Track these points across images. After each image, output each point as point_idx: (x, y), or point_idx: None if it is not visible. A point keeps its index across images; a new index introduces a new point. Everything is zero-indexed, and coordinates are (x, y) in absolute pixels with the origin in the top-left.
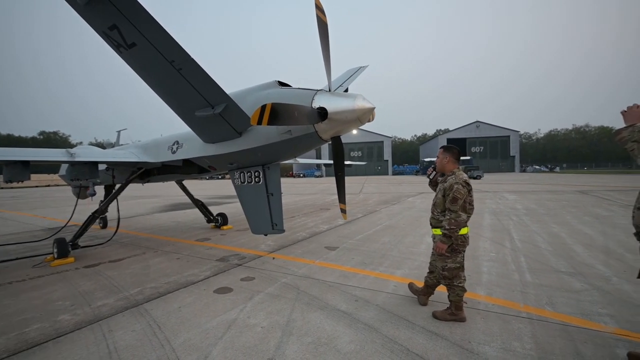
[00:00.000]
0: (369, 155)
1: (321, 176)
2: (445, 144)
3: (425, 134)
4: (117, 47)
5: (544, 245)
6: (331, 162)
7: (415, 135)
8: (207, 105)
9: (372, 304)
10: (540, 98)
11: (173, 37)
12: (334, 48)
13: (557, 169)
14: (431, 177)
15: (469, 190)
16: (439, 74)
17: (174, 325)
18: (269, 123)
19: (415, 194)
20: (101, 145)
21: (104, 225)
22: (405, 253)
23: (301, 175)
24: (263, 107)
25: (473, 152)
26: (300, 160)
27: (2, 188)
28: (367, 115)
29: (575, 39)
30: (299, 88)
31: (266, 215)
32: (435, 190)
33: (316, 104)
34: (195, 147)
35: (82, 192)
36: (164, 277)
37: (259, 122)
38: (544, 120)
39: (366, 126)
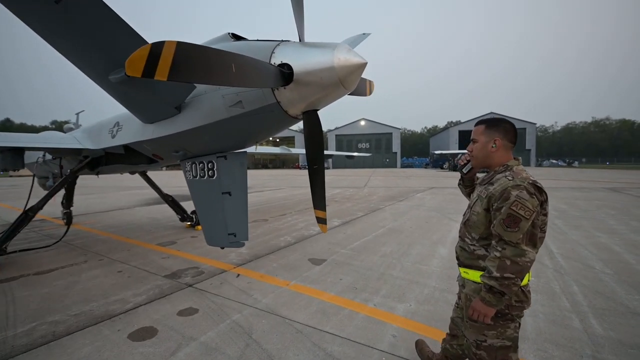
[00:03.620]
0: (377, 147)
1: (328, 168)
2: (456, 135)
3: (436, 126)
4: None
5: (599, 266)
6: (335, 153)
7: (425, 127)
8: (121, 64)
9: None
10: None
11: None
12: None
13: (576, 163)
14: (465, 171)
15: (542, 202)
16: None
17: None
18: (173, 77)
19: (424, 189)
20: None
21: (69, 221)
22: (411, 272)
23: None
24: (157, 47)
25: None
26: (294, 151)
27: (10, 176)
28: (353, 75)
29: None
30: (257, 40)
31: (220, 222)
32: (468, 196)
33: (277, 58)
34: (133, 130)
35: (41, 183)
36: (80, 304)
37: (147, 73)
38: (562, 113)
39: (375, 117)
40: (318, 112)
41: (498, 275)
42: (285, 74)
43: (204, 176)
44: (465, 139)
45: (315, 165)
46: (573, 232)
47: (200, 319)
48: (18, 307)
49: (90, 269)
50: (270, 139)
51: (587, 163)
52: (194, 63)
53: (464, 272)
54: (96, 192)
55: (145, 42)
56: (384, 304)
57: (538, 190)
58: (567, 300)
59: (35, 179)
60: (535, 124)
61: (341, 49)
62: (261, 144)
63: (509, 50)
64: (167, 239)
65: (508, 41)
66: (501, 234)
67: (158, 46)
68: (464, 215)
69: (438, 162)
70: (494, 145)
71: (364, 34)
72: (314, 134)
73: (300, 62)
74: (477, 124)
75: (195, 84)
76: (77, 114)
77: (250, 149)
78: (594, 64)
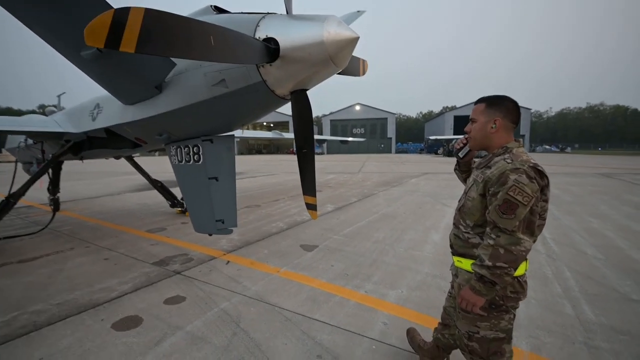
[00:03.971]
0: (372, 133)
1: (322, 153)
2: (451, 121)
3: (431, 111)
4: None
5: (590, 251)
6: (329, 138)
7: (420, 112)
8: None
9: None
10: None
11: None
12: None
13: (569, 149)
14: (461, 155)
15: (543, 187)
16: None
17: None
18: (142, 49)
19: (418, 175)
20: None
21: (56, 207)
22: (404, 258)
23: None
24: (121, 13)
25: None
26: (287, 136)
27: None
28: (345, 51)
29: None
30: (241, 13)
31: (207, 209)
32: (465, 181)
33: (262, 32)
34: (113, 112)
35: (25, 169)
36: (64, 293)
37: (111, 43)
38: (557, 100)
39: (370, 102)
40: (307, 92)
41: (490, 264)
42: (271, 49)
43: (189, 161)
44: (460, 124)
45: (305, 149)
46: (566, 218)
47: (187, 307)
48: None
49: (76, 257)
50: (264, 123)
51: (580, 149)
52: (166, 33)
53: (458, 261)
54: (86, 177)
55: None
56: (376, 290)
57: (539, 174)
58: (559, 286)
59: (20, 164)
60: (530, 109)
61: (331, 21)
62: (254, 128)
63: (503, 33)
64: (156, 226)
65: (501, 24)
66: (496, 220)
67: (122, 13)
68: (459, 201)
69: (433, 148)
70: (493, 126)
71: (358, 11)
72: (303, 116)
73: (286, 36)
74: (477, 102)
75: (174, 61)
76: (59, 96)
77: (238, 133)
78: (593, 49)
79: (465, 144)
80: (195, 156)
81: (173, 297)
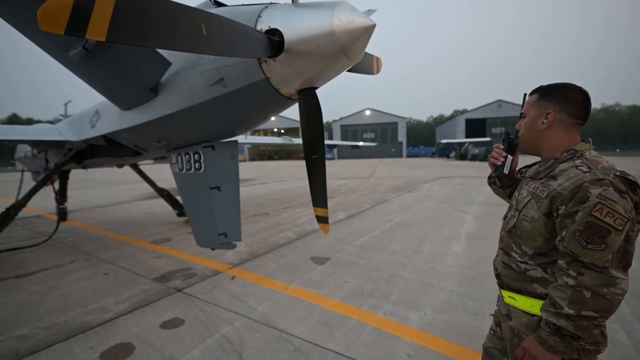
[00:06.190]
0: (383, 137)
1: (333, 158)
2: (463, 124)
3: (442, 115)
4: None
5: (635, 263)
6: (340, 143)
7: (431, 116)
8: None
9: None
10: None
11: None
12: None
13: None
14: (506, 171)
15: (636, 204)
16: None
17: None
18: (116, 37)
19: (432, 179)
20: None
21: (63, 217)
22: (425, 273)
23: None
24: None
25: (494, 134)
26: (297, 141)
27: (21, 171)
28: (359, 42)
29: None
30: (242, 5)
31: (209, 221)
32: (504, 195)
33: (264, 24)
34: (111, 118)
35: (34, 178)
36: (54, 314)
37: (74, 29)
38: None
39: (380, 106)
40: (316, 90)
41: (572, 312)
42: (274, 41)
43: (190, 169)
44: (472, 127)
45: (314, 155)
46: None
47: (185, 332)
48: None
49: (75, 271)
50: (275, 129)
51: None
52: (145, 18)
53: (509, 297)
54: (99, 185)
55: None
56: (395, 312)
57: (631, 187)
58: None
59: (30, 174)
60: None
61: (343, 7)
62: (264, 134)
63: (510, 32)
64: (162, 236)
65: (508, 22)
66: (577, 252)
67: None
68: (504, 219)
69: (444, 151)
70: (545, 121)
71: (369, 10)
72: (312, 118)
73: (292, 26)
74: (531, 92)
75: (169, 60)
76: (66, 104)
77: (241, 139)
78: (600, 50)
79: (506, 157)
80: (197, 164)
81: (171, 320)
